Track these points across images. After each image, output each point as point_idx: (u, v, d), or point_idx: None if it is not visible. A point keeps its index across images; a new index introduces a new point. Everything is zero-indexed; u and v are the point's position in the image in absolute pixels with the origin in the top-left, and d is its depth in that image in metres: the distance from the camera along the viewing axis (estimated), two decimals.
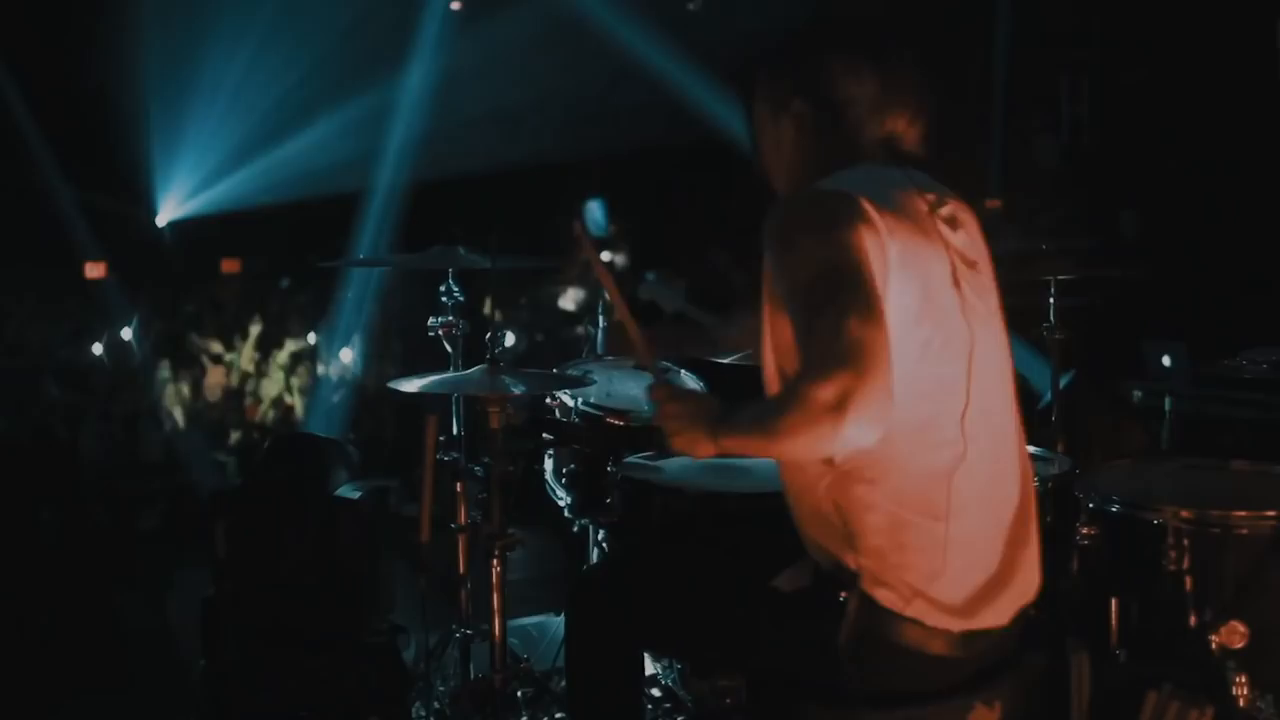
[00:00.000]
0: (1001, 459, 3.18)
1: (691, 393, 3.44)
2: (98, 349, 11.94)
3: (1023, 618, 3.24)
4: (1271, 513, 3.86)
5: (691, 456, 3.16)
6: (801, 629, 3.16)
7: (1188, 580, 3.91)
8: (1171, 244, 10.78)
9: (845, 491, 3.03)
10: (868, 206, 2.96)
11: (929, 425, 3.00)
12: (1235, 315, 10.71)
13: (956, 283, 3.11)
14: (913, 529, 3.00)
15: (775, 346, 3.09)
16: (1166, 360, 8.66)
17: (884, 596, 3.03)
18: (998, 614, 3.13)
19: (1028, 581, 3.24)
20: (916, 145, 3.33)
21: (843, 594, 3.07)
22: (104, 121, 13.76)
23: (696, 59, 12.09)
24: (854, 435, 2.72)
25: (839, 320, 2.75)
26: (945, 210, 3.24)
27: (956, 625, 3.06)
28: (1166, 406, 5.22)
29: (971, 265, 3.21)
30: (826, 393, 2.68)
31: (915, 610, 3.02)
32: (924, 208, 3.17)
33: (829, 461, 3.02)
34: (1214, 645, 3.83)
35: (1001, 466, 3.17)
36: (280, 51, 14.25)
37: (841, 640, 3.06)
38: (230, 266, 15.54)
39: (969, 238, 3.28)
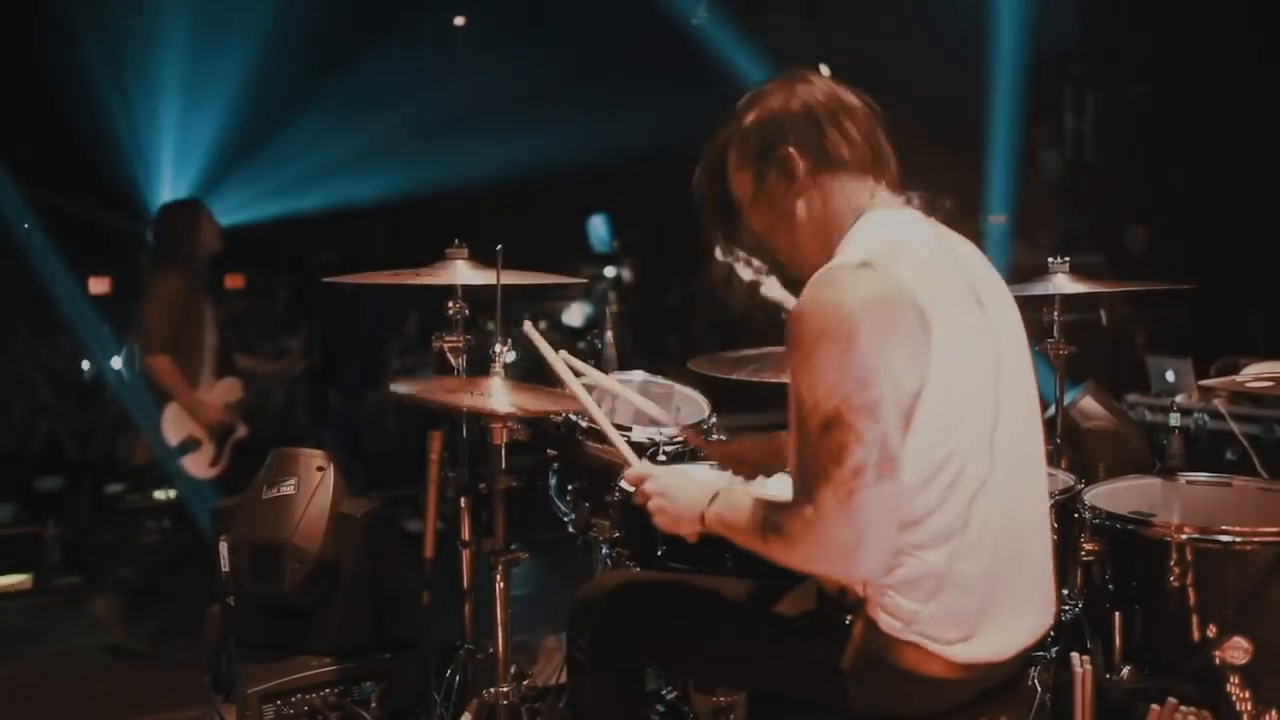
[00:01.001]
0: (1021, 486, 3.16)
1: (678, 478, 3.40)
2: (116, 363, 11.95)
3: (1029, 650, 3.23)
4: (1274, 529, 3.86)
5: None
6: (805, 651, 3.15)
7: (1191, 596, 3.90)
8: (1176, 259, 10.77)
9: None
10: (897, 274, 2.95)
11: (945, 465, 2.97)
12: (1240, 331, 10.72)
13: (981, 304, 3.12)
14: (921, 559, 2.99)
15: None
16: (1170, 375, 8.67)
17: (888, 622, 3.02)
18: (1005, 644, 3.13)
19: (1040, 611, 3.23)
20: (895, 170, 3.30)
21: (848, 618, 3.07)
22: (104, 136, 13.75)
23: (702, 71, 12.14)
24: (862, 578, 2.99)
25: (859, 472, 2.84)
26: (958, 243, 3.27)
27: (961, 653, 3.05)
28: (1170, 422, 5.19)
29: (996, 297, 3.22)
30: (837, 546, 2.87)
31: (920, 636, 3.02)
32: (942, 248, 3.18)
33: None
34: (1217, 661, 3.83)
35: (1020, 494, 3.15)
36: (282, 64, 14.24)
37: (845, 664, 3.06)
38: (234, 282, 15.54)
39: (986, 268, 3.29)
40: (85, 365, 12.09)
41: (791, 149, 3.21)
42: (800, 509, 2.91)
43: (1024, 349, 3.26)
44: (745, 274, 3.91)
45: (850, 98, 3.27)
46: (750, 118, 3.29)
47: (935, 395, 2.91)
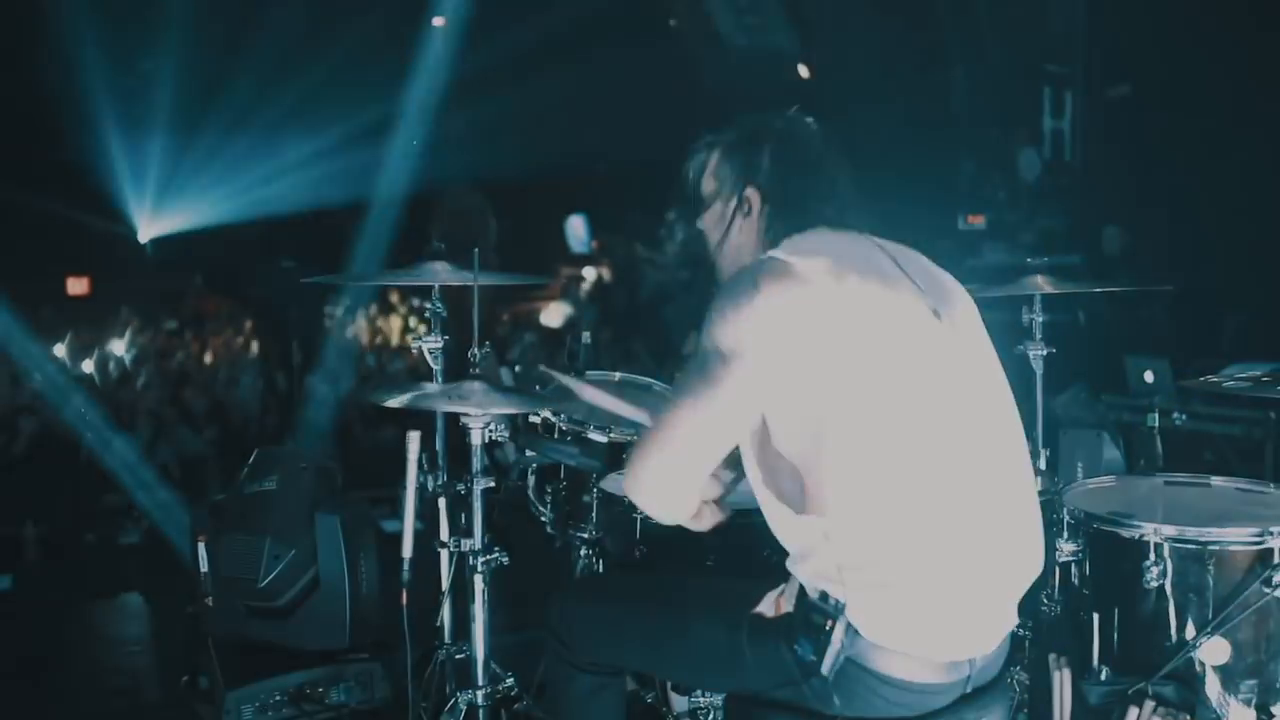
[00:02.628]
0: (996, 487, 3.16)
1: None
2: (88, 366, 11.93)
3: (1007, 640, 3.24)
4: (1253, 529, 3.87)
5: None
6: (785, 655, 3.15)
7: (1169, 597, 3.91)
8: (1154, 260, 10.80)
9: (834, 527, 3.02)
10: (809, 267, 3.05)
11: (913, 468, 3.00)
12: (1217, 331, 10.75)
13: (935, 313, 3.14)
14: (899, 564, 3.00)
15: None
16: (1149, 376, 8.68)
17: (869, 627, 3.03)
18: (984, 642, 3.14)
19: (1013, 602, 3.24)
20: (858, 217, 3.38)
21: (828, 623, 3.07)
22: (84, 138, 13.75)
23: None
24: (634, 495, 3.18)
25: (678, 396, 3.08)
26: (904, 254, 3.31)
27: (941, 655, 3.06)
28: (1148, 422, 5.21)
29: (948, 297, 3.25)
30: (630, 459, 3.16)
31: (899, 641, 3.03)
32: (884, 256, 3.24)
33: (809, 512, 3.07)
34: (1195, 662, 3.83)
35: (995, 494, 3.16)
36: (267, 68, 14.25)
37: (825, 669, 3.06)
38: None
39: (937, 275, 3.34)
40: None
41: (751, 190, 3.35)
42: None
43: (988, 355, 3.29)
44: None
45: (816, 142, 3.39)
46: (736, 139, 3.41)
47: (874, 400, 2.99)
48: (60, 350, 12.23)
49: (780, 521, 3.14)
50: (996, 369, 3.29)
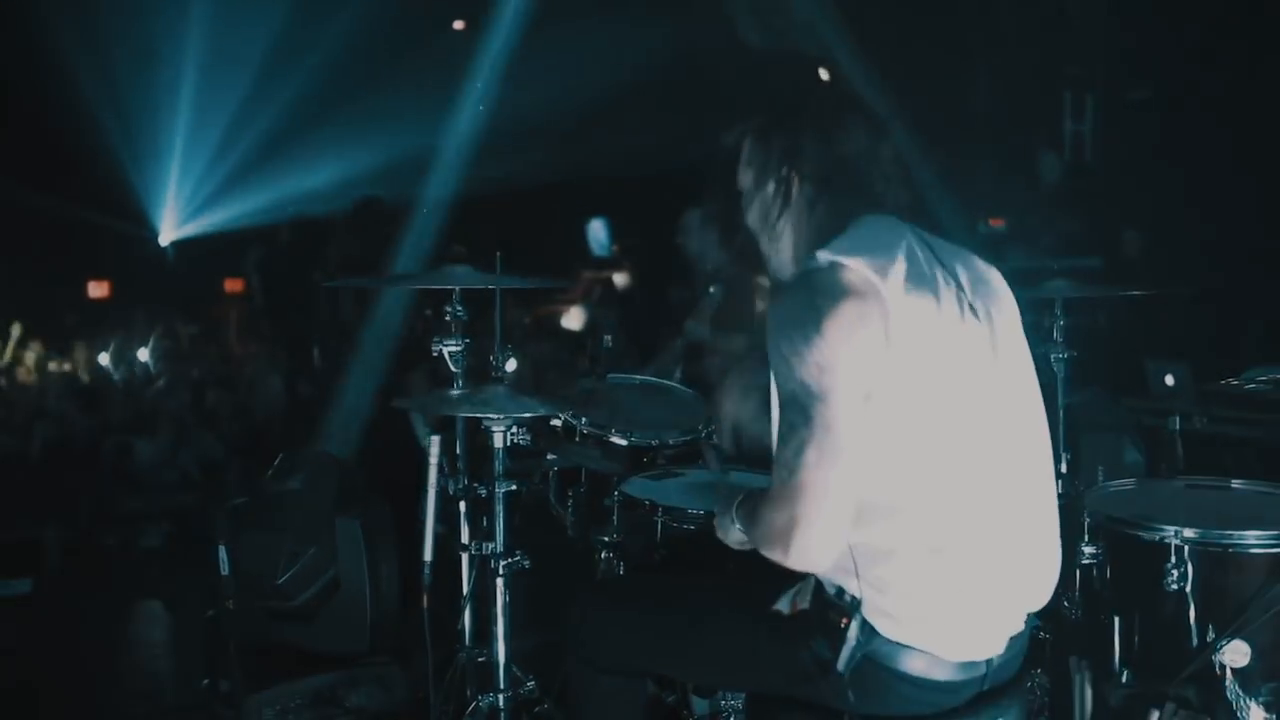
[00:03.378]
0: (1019, 491, 3.17)
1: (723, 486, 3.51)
2: (104, 359, 11.95)
3: (1024, 641, 3.24)
4: (1274, 532, 3.86)
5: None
6: (801, 653, 3.16)
7: (1190, 600, 3.90)
8: (1174, 263, 10.77)
9: (856, 521, 3.01)
10: (863, 275, 2.99)
11: (938, 466, 3.01)
12: (1238, 334, 10.71)
13: (973, 311, 3.14)
14: (916, 562, 3.00)
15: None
16: (1170, 379, 8.66)
17: (885, 625, 3.03)
18: (998, 642, 3.14)
19: (1033, 604, 3.23)
20: (906, 202, 3.33)
21: (844, 620, 3.08)
22: (105, 141, 13.77)
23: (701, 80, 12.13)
24: (803, 564, 2.97)
25: (799, 453, 2.90)
26: (945, 248, 3.27)
27: (956, 655, 3.06)
28: (1170, 426, 5.20)
29: (988, 293, 3.24)
30: (775, 529, 2.95)
31: (916, 639, 3.03)
32: (926, 252, 3.19)
33: None
34: (1217, 665, 3.82)
35: (1018, 498, 3.16)
36: (283, 70, 14.27)
37: (840, 666, 3.06)
38: (234, 286, 15.54)
39: (980, 269, 3.31)
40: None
41: (793, 172, 3.25)
42: (764, 496, 3.03)
43: (1024, 359, 3.28)
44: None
45: (869, 125, 3.30)
46: (767, 123, 3.33)
47: (906, 396, 2.96)
48: (104, 358, 12.26)
49: None
50: (1030, 374, 3.28)
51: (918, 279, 3.05)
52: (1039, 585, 3.23)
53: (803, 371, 2.90)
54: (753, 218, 3.38)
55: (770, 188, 3.29)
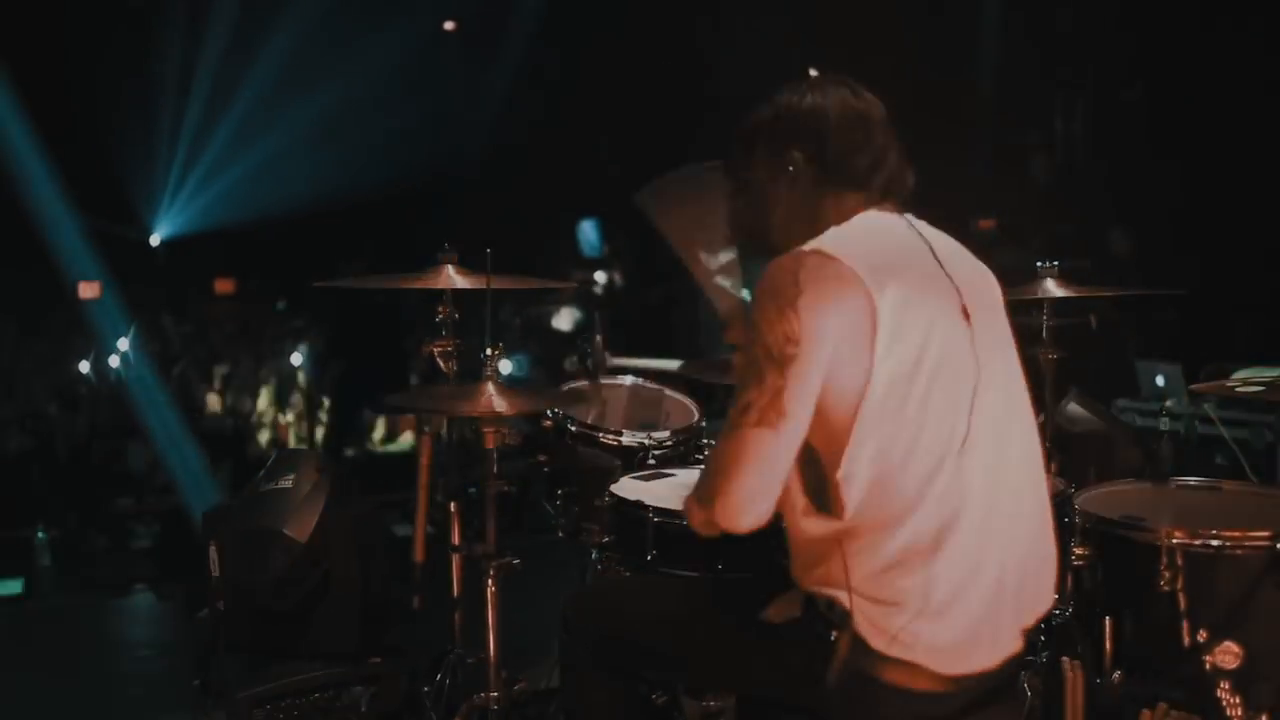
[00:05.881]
0: (1008, 505, 3.16)
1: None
2: (84, 367, 11.93)
3: (1019, 656, 3.24)
4: (1265, 533, 3.86)
5: None
6: (790, 661, 3.16)
7: (1181, 601, 3.90)
8: (1166, 263, 10.78)
9: (843, 536, 3.03)
10: (849, 266, 3.03)
11: (931, 473, 3.02)
12: (1229, 335, 10.73)
13: (966, 316, 3.14)
14: (906, 574, 3.00)
15: None
16: (1161, 380, 8.68)
17: (875, 638, 3.02)
18: (991, 656, 3.12)
19: (1029, 616, 3.23)
20: (908, 188, 3.37)
21: (834, 633, 3.08)
22: (97, 141, 13.75)
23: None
24: (725, 519, 3.06)
25: (744, 412, 3.01)
26: (945, 247, 3.29)
27: (947, 668, 3.05)
28: (1160, 426, 5.21)
29: (980, 295, 3.25)
30: (708, 481, 3.09)
31: (906, 652, 3.01)
32: (925, 249, 3.22)
33: (828, 513, 3.07)
34: (1208, 666, 3.82)
35: (1008, 512, 3.16)
36: (270, 66, 14.26)
37: (830, 678, 3.06)
38: (224, 287, 15.53)
39: (974, 269, 3.33)
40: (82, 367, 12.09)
41: (798, 153, 3.29)
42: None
43: (1011, 360, 3.30)
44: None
45: (869, 108, 3.34)
46: (773, 112, 3.36)
47: (896, 399, 2.99)
48: (124, 343, 12.24)
49: (796, 516, 3.15)
50: (1019, 377, 3.30)
51: (909, 278, 3.07)
52: (1034, 596, 3.23)
53: (770, 337, 2.98)
54: (755, 205, 3.42)
55: (777, 178, 3.34)
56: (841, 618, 3.05)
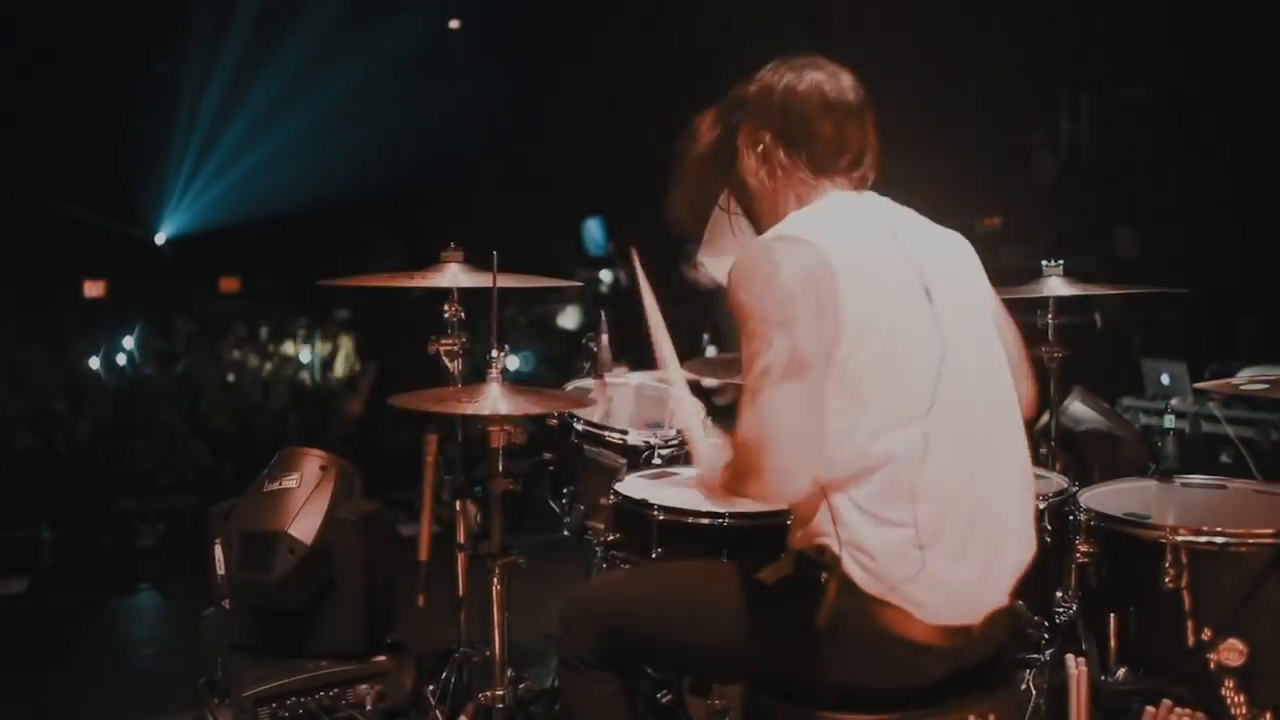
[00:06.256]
0: (983, 461, 3.21)
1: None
2: (94, 363, 11.94)
3: (1002, 619, 3.26)
4: (1269, 531, 3.86)
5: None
6: (783, 614, 3.21)
7: (1185, 598, 3.91)
8: (1170, 262, 10.78)
9: (827, 487, 3.10)
10: (816, 248, 3.12)
11: (894, 433, 3.08)
12: (1234, 334, 10.73)
13: (929, 296, 3.20)
14: (890, 525, 3.06)
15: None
16: (1165, 379, 8.68)
17: (863, 580, 3.08)
18: (977, 607, 3.17)
19: (1007, 577, 3.26)
20: (875, 170, 3.46)
21: (823, 575, 3.11)
22: (104, 141, 13.75)
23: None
24: (771, 499, 3.21)
25: (747, 374, 3.08)
26: (906, 227, 3.36)
27: (932, 616, 3.10)
28: (1165, 424, 5.20)
29: (944, 270, 3.31)
30: (734, 464, 3.14)
31: (892, 595, 3.07)
32: (885, 230, 3.29)
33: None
34: (1212, 663, 3.83)
35: (983, 468, 3.21)
36: (276, 64, 14.26)
37: (820, 622, 3.09)
38: (229, 285, 15.52)
39: (940, 246, 3.40)
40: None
41: (766, 133, 3.41)
42: (732, 443, 3.17)
43: (988, 334, 3.36)
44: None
45: (841, 94, 3.41)
46: (750, 91, 3.47)
47: (857, 365, 3.07)
48: (129, 341, 12.27)
49: None
50: (992, 340, 3.37)
51: (867, 260, 3.16)
52: (1012, 553, 3.26)
53: (763, 307, 3.08)
54: (736, 189, 3.57)
55: (745, 150, 3.47)
56: (831, 561, 3.11)
